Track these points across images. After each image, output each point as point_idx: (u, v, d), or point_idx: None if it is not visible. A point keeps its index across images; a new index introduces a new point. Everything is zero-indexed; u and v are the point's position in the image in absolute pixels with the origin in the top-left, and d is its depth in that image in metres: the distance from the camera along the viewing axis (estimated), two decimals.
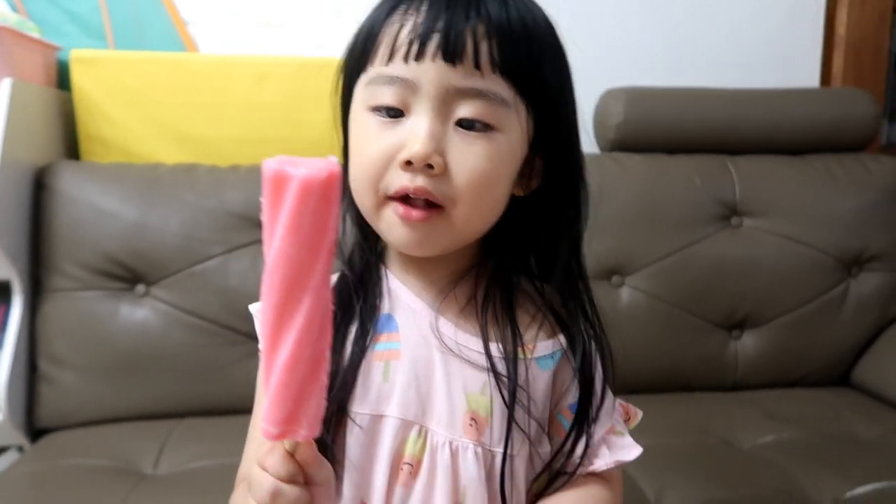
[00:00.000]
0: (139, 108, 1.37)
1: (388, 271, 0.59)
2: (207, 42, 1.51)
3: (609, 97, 1.48)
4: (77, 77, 1.34)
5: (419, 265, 0.58)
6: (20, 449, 1.22)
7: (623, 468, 0.61)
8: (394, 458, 0.54)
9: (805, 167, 1.46)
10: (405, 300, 0.57)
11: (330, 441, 0.53)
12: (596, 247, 1.33)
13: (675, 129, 1.47)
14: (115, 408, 1.20)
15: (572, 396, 0.58)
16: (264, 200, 0.42)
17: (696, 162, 1.44)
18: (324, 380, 0.44)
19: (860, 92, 1.54)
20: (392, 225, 0.53)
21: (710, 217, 1.39)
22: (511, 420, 0.54)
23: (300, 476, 0.45)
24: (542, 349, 0.57)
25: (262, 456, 0.46)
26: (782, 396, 1.35)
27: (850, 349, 1.42)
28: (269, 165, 0.42)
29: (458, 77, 0.50)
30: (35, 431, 1.21)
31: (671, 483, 1.03)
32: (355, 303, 0.57)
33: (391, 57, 0.52)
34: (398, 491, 0.54)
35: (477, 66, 0.50)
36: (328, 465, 0.48)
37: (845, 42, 1.69)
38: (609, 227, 1.37)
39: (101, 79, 1.35)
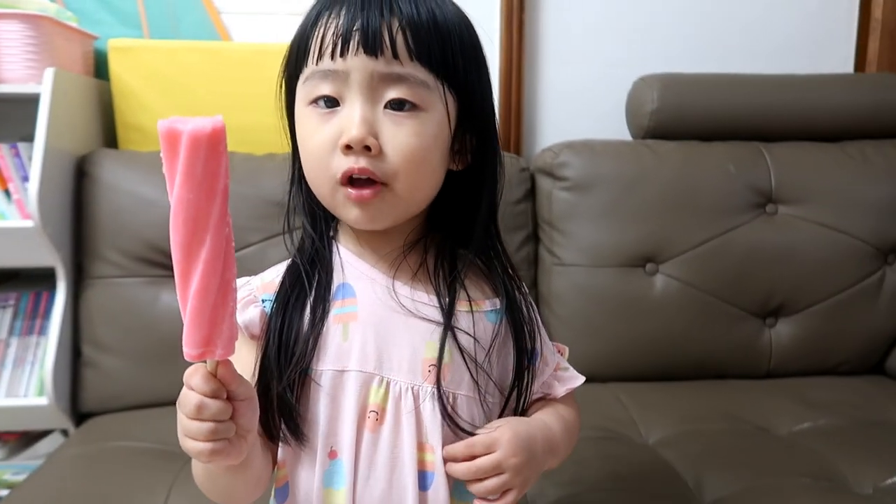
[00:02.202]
0: (175, 97, 1.38)
1: (343, 248, 0.67)
2: (241, 31, 1.52)
3: (642, 84, 1.47)
4: (115, 66, 1.35)
5: (372, 241, 0.66)
6: (64, 432, 1.25)
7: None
8: (359, 407, 0.61)
9: (840, 154, 1.44)
10: (362, 270, 0.65)
11: (294, 401, 0.61)
12: (630, 234, 1.38)
13: (709, 116, 1.46)
14: (156, 392, 1.22)
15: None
16: (163, 154, 0.47)
17: (730, 149, 1.43)
18: (232, 307, 0.50)
19: None
20: (347, 207, 0.61)
21: (745, 204, 1.38)
22: (466, 364, 0.62)
23: (222, 392, 0.52)
24: (489, 305, 0.66)
25: (187, 376, 0.52)
26: (816, 384, 1.34)
27: (886, 337, 1.41)
28: (163, 124, 0.47)
29: (381, 65, 0.58)
30: (79, 415, 1.24)
31: (709, 469, 1.03)
32: (309, 279, 0.64)
33: (321, 56, 0.60)
34: (367, 436, 0.61)
35: (395, 55, 0.58)
36: (247, 382, 0.54)
37: (881, 26, 1.65)
38: (643, 214, 1.37)
39: (137, 67, 1.36)
